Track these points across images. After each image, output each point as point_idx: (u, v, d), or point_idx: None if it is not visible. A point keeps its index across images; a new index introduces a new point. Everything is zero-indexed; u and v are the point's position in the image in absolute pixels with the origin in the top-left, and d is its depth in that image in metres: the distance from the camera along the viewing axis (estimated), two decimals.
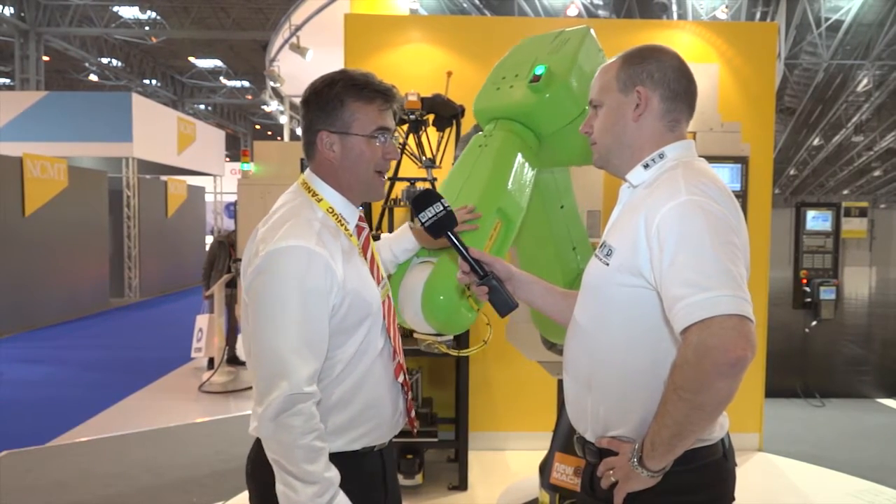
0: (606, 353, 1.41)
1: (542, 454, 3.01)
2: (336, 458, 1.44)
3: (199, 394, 6.06)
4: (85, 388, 6.28)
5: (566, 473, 2.78)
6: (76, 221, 10.56)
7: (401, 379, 1.64)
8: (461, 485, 3.79)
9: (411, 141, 3.73)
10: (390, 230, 3.81)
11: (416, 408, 3.83)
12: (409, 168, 3.88)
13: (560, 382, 1.92)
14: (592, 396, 1.44)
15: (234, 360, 6.64)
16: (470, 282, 1.59)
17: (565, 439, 2.75)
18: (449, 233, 1.58)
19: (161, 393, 6.17)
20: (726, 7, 9.06)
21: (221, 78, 23.88)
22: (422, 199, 1.58)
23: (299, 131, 1.61)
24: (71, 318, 10.18)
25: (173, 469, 4.19)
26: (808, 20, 9.66)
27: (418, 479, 3.73)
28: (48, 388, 6.30)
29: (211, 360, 6.48)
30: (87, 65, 20.71)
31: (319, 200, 1.54)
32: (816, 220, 5.69)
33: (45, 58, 17.98)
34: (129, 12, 18.05)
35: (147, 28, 18.94)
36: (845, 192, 14.91)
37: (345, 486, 1.43)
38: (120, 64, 21.13)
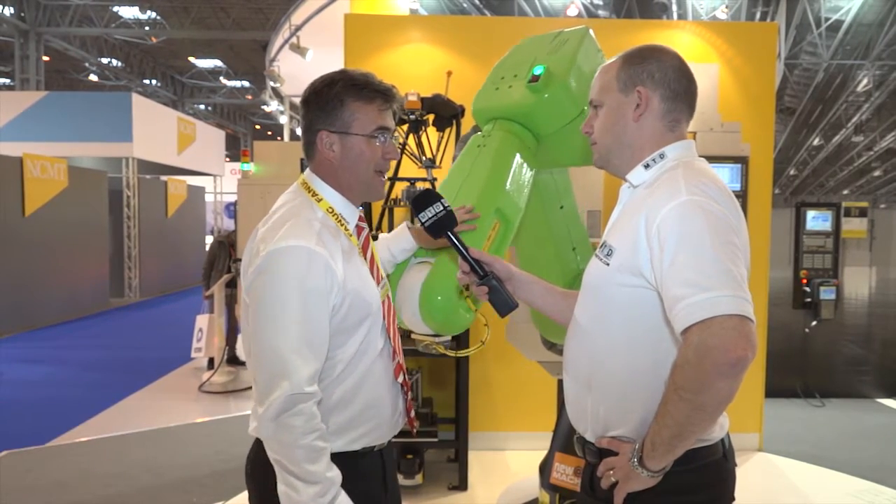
0: (606, 354, 1.41)
1: (542, 454, 3.01)
2: (336, 458, 1.44)
3: (199, 394, 6.06)
4: (85, 388, 6.28)
5: (566, 473, 2.78)
6: (76, 221, 10.56)
7: (400, 379, 1.64)
8: (461, 485, 3.79)
9: (411, 141, 3.73)
10: (390, 230, 3.79)
11: (416, 408, 3.84)
12: (409, 168, 3.88)
13: (560, 382, 1.92)
14: (592, 396, 1.44)
15: (234, 360, 6.65)
16: (470, 282, 1.59)
17: (565, 439, 2.75)
18: (449, 233, 1.58)
19: (161, 393, 6.16)
20: (726, 7, 9.07)
21: (221, 78, 23.89)
22: (422, 199, 1.58)
23: (299, 131, 1.61)
24: (71, 318, 10.18)
25: (173, 469, 4.19)
26: (808, 20, 9.66)
27: (418, 479, 3.73)
28: (48, 388, 6.30)
29: (211, 360, 6.48)
30: (87, 65, 20.72)
31: (319, 200, 1.54)
32: (816, 220, 5.69)
33: (45, 58, 17.99)
34: (129, 12, 18.05)
35: (147, 28, 18.94)
36: (845, 192, 14.91)
37: (345, 486, 1.43)
38: (120, 64, 21.13)
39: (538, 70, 2.07)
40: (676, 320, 1.23)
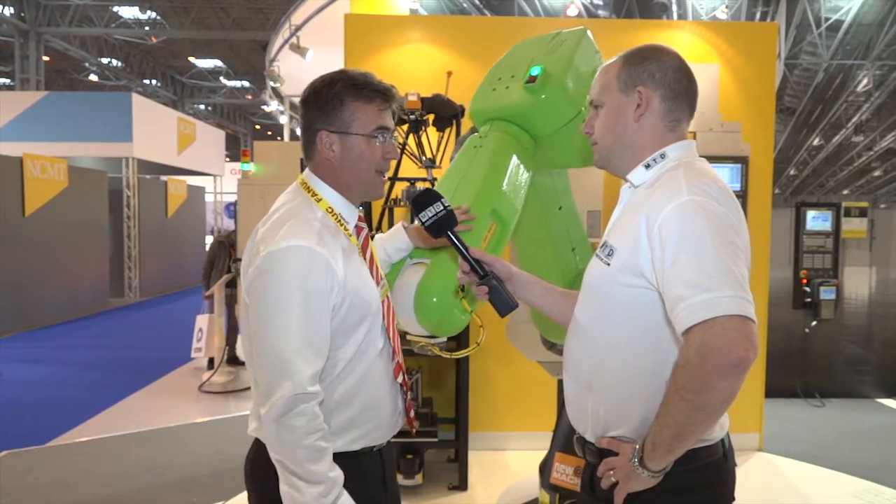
0: (607, 354, 1.41)
1: (542, 454, 3.01)
2: (336, 459, 1.44)
3: (199, 394, 6.06)
4: (85, 388, 6.28)
5: (566, 473, 2.78)
6: (76, 221, 10.56)
7: (400, 379, 1.63)
8: (461, 485, 3.79)
9: (411, 141, 3.73)
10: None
11: (416, 408, 3.84)
12: (409, 168, 3.88)
13: (560, 382, 1.92)
14: (593, 397, 1.44)
15: (234, 360, 6.64)
16: (470, 281, 1.59)
17: (565, 439, 2.75)
18: (449, 232, 1.57)
19: (161, 393, 6.16)
20: (726, 7, 9.07)
21: (221, 78, 23.89)
22: (422, 199, 1.58)
23: (299, 131, 1.61)
24: (71, 318, 10.18)
25: (173, 469, 4.19)
26: (808, 20, 9.66)
27: (418, 479, 3.73)
28: (48, 388, 6.30)
29: (211, 360, 6.48)
30: (87, 65, 20.72)
31: (319, 200, 1.54)
32: (816, 220, 5.69)
33: (45, 58, 17.99)
34: (129, 12, 18.05)
35: (147, 28, 18.95)
36: (845, 192, 14.92)
37: (345, 486, 1.43)
38: (120, 64, 21.13)
39: (535, 71, 2.07)
40: (678, 321, 1.23)
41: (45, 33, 17.23)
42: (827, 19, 9.65)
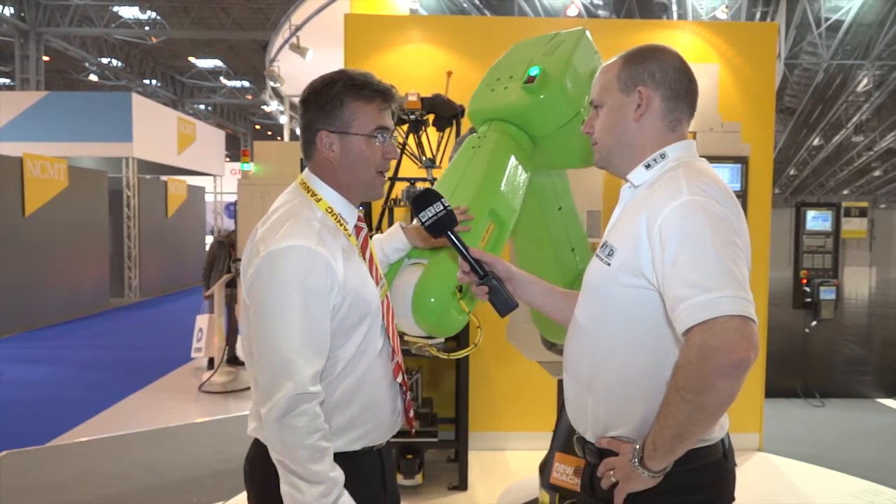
0: (607, 354, 1.41)
1: (542, 454, 3.01)
2: (335, 459, 1.44)
3: (199, 394, 6.06)
4: (85, 388, 6.27)
5: (566, 473, 2.78)
6: (76, 221, 10.56)
7: (399, 379, 1.63)
8: (461, 485, 3.79)
9: (411, 141, 3.73)
10: None
11: (416, 408, 3.84)
12: (409, 168, 3.88)
13: (560, 382, 1.92)
14: (593, 397, 1.44)
15: (234, 360, 6.64)
16: (470, 281, 1.59)
17: (565, 439, 2.75)
18: (449, 232, 1.57)
19: (161, 393, 6.16)
20: (726, 7, 9.06)
21: (221, 78, 23.89)
22: (422, 199, 1.57)
23: (299, 131, 1.61)
24: (71, 318, 10.18)
25: (173, 469, 4.19)
26: (808, 20, 9.66)
27: (418, 479, 3.73)
28: (48, 388, 6.30)
29: (211, 360, 6.48)
30: (87, 65, 20.72)
31: (318, 200, 1.54)
32: (816, 220, 5.69)
33: (45, 58, 17.99)
34: (129, 12, 18.05)
35: (147, 28, 18.95)
36: (845, 192, 14.91)
37: (344, 486, 1.43)
38: (120, 64, 21.13)
39: (534, 71, 2.06)
40: (678, 321, 1.23)
41: (45, 33, 17.23)
42: (827, 19, 9.65)
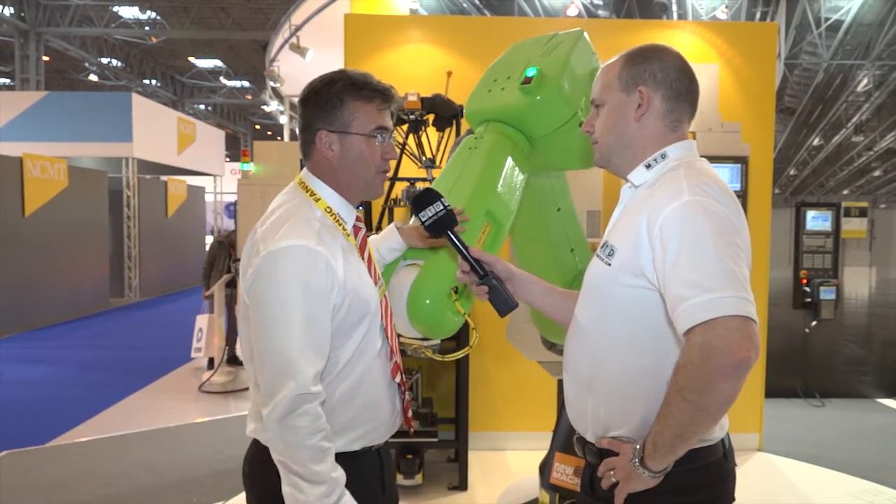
0: (607, 354, 1.41)
1: (542, 454, 3.01)
2: (335, 459, 1.43)
3: (199, 394, 6.06)
4: (85, 388, 6.27)
5: (566, 473, 2.78)
6: (76, 221, 10.56)
7: (398, 379, 1.63)
8: (461, 485, 3.79)
9: (411, 141, 3.73)
10: None
11: (416, 408, 3.83)
12: (409, 168, 3.88)
13: (560, 382, 1.92)
14: (593, 397, 1.44)
15: (234, 360, 6.64)
16: (470, 281, 1.59)
17: (565, 439, 2.75)
18: (449, 232, 1.57)
19: (161, 393, 6.16)
20: (726, 7, 9.06)
21: (221, 78, 23.89)
22: (422, 199, 1.57)
23: (298, 131, 1.60)
24: (71, 318, 10.17)
25: (173, 469, 4.19)
26: (808, 20, 9.66)
27: (418, 479, 3.73)
28: (48, 388, 6.30)
29: (211, 360, 6.48)
30: (87, 65, 20.72)
31: (317, 200, 1.54)
32: (816, 220, 5.69)
33: (45, 58, 17.99)
34: (129, 12, 18.05)
35: (147, 28, 18.95)
36: (845, 192, 14.92)
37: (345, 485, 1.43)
38: (120, 64, 21.13)
39: (531, 72, 2.05)
40: (679, 321, 1.23)
41: (45, 33, 17.23)
42: (827, 19, 9.65)
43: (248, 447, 1.57)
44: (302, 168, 1.62)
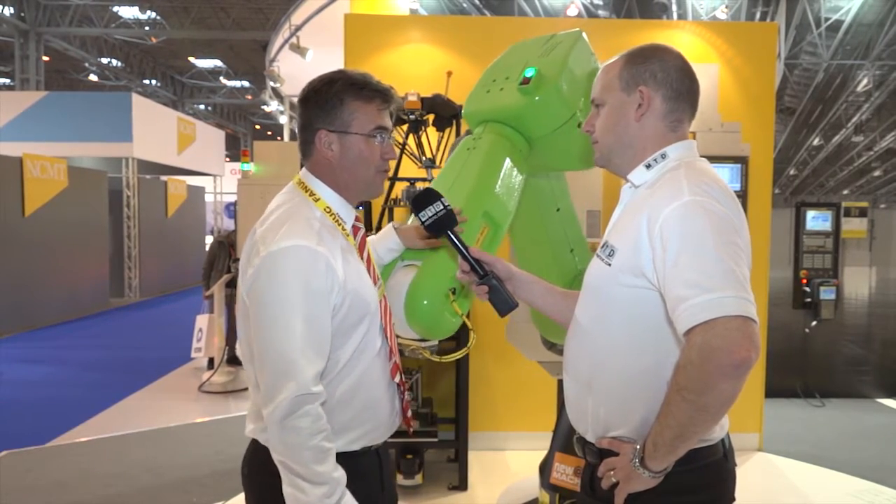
0: (607, 354, 1.41)
1: (542, 454, 3.01)
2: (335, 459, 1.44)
3: (199, 394, 6.06)
4: (85, 388, 6.27)
5: (566, 473, 2.78)
6: (76, 221, 10.56)
7: (397, 379, 1.63)
8: (461, 485, 3.79)
9: (411, 141, 3.73)
10: None
11: (416, 408, 3.83)
12: (409, 168, 3.88)
13: (560, 382, 1.92)
14: (593, 397, 1.44)
15: (233, 360, 6.63)
16: (470, 281, 1.59)
17: (565, 439, 2.75)
18: (449, 232, 1.57)
19: (161, 393, 6.16)
20: (726, 7, 9.06)
21: (221, 78, 23.89)
22: (422, 198, 1.57)
23: (297, 131, 1.60)
24: (71, 318, 10.17)
25: (173, 469, 4.19)
26: (808, 20, 9.66)
27: (418, 479, 3.73)
28: (48, 388, 6.30)
29: (211, 360, 6.48)
30: (87, 65, 20.72)
31: (316, 200, 1.54)
32: (816, 220, 5.69)
33: (45, 58, 17.99)
34: (129, 12, 18.05)
35: (147, 28, 18.95)
36: (845, 192, 14.92)
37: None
38: (120, 64, 21.13)
39: (529, 72, 2.05)
40: (679, 321, 1.23)
41: (45, 33, 17.23)
42: (827, 19, 9.65)
43: (247, 447, 1.57)
44: (302, 168, 1.62)
